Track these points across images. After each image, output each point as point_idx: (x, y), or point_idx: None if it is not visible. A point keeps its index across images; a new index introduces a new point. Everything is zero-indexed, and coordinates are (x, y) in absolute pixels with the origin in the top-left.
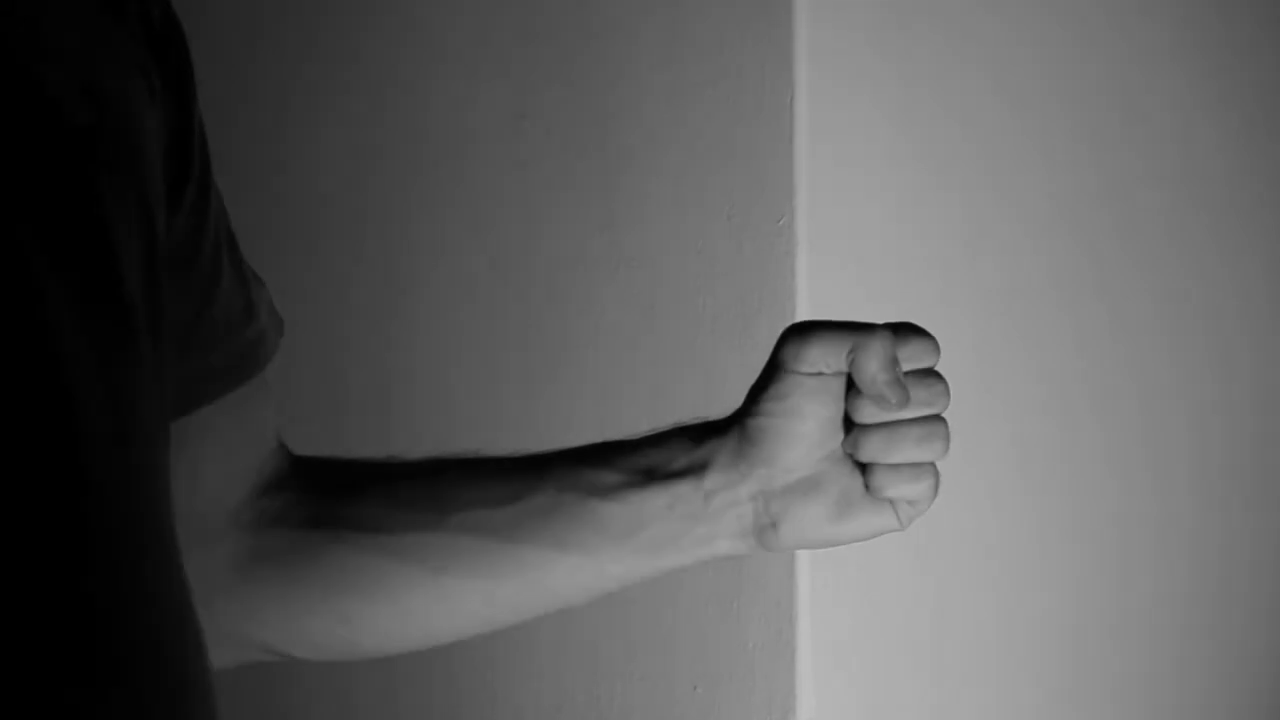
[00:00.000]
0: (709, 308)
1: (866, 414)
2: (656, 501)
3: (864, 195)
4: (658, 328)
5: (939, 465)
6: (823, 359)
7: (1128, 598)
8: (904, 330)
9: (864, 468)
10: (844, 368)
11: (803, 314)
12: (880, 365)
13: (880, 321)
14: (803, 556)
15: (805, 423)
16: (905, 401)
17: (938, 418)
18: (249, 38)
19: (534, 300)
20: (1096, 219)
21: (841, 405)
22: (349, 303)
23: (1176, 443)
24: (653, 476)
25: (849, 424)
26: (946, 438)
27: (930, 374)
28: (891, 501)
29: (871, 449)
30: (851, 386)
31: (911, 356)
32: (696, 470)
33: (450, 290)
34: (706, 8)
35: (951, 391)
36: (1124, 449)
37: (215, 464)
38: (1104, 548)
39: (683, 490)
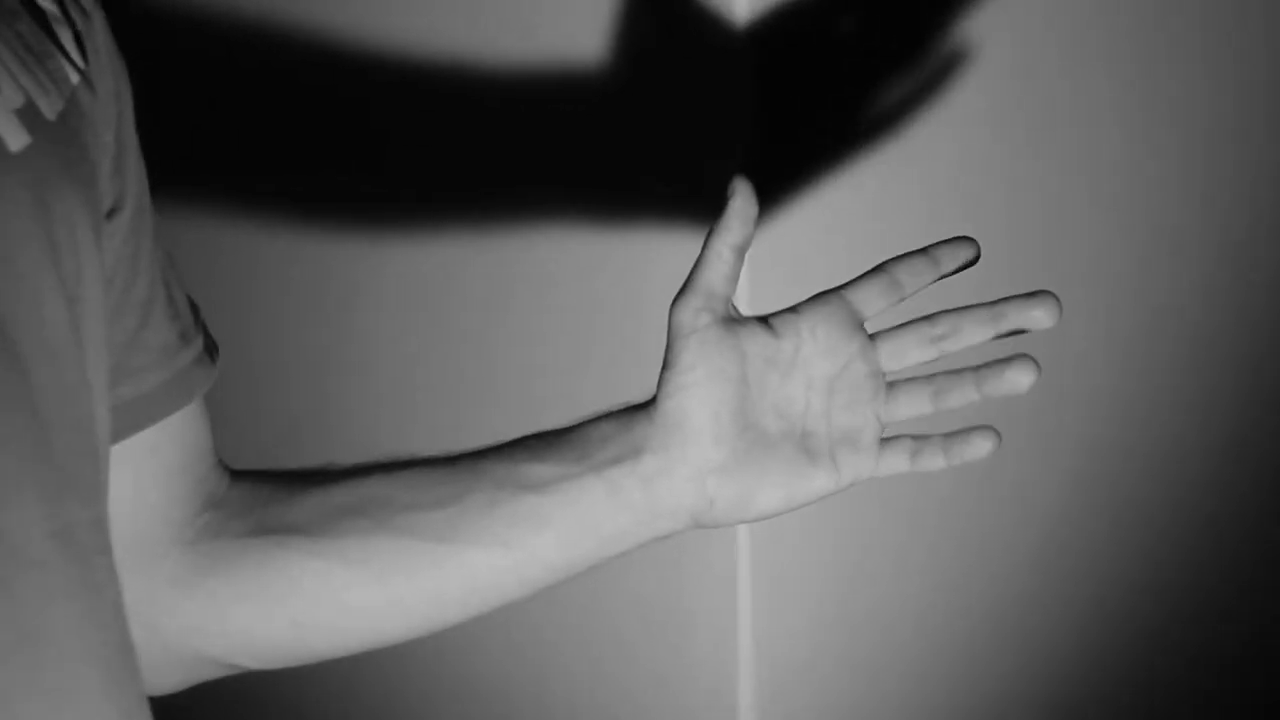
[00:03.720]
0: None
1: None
2: (594, 491)
3: (806, 223)
4: (596, 335)
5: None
6: (699, 299)
7: (1084, 592)
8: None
9: (800, 431)
10: (721, 302)
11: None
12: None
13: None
14: (744, 570)
15: (716, 385)
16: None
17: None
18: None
19: (467, 319)
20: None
21: (749, 363)
22: (291, 306)
23: (1119, 435)
24: (590, 466)
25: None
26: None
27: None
28: (832, 458)
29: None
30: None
31: (913, 274)
32: (631, 456)
33: (396, 298)
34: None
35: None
36: (1068, 446)
37: (155, 486)
38: (1055, 544)
39: (619, 477)
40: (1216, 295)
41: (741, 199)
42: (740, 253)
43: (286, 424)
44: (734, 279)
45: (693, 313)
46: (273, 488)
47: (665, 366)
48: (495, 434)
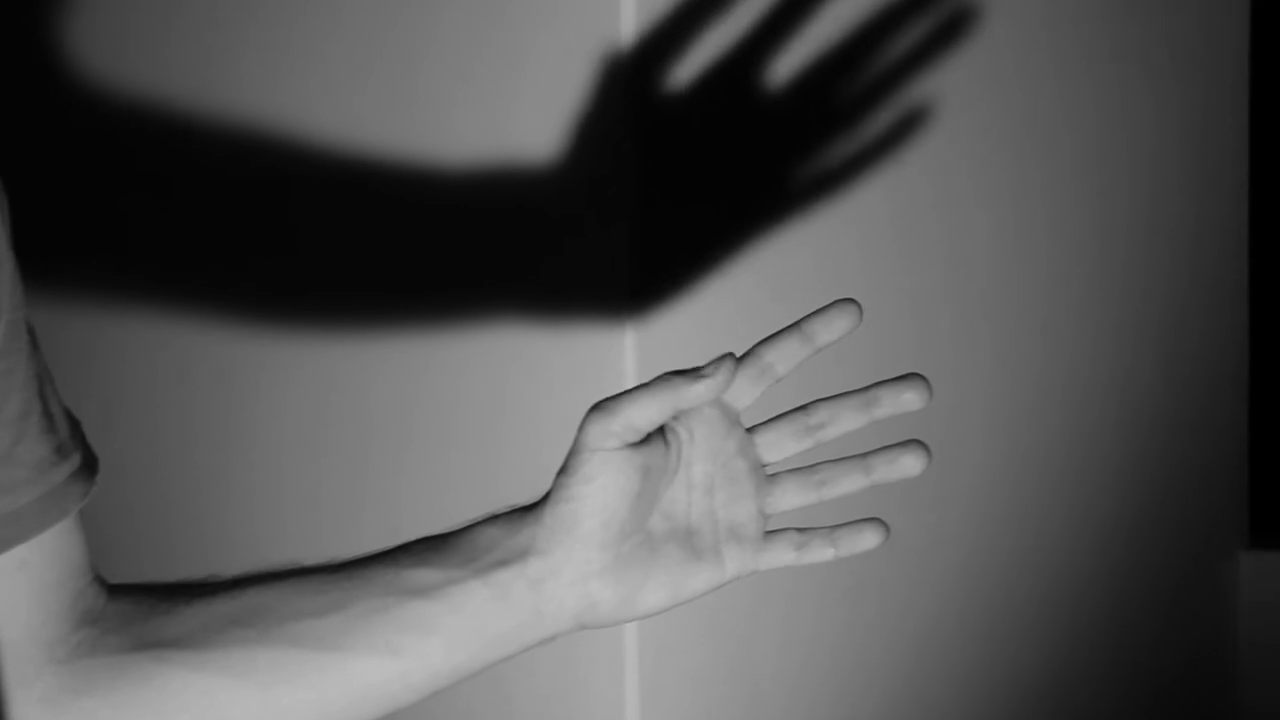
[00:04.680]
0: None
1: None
2: (480, 595)
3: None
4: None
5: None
6: (618, 427)
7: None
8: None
9: (685, 531)
10: (638, 435)
11: None
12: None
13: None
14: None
15: (611, 497)
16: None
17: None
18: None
19: (357, 423)
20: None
21: (647, 478)
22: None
23: (1000, 517)
24: (475, 570)
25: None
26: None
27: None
28: (717, 553)
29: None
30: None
31: (783, 355)
32: (518, 559)
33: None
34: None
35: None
36: (949, 532)
37: (27, 602)
38: (968, 555)
39: (505, 581)
40: (1099, 385)
41: (718, 375)
42: (679, 414)
43: (169, 535)
44: (658, 424)
45: (604, 435)
46: (153, 601)
47: (563, 472)
48: (389, 539)
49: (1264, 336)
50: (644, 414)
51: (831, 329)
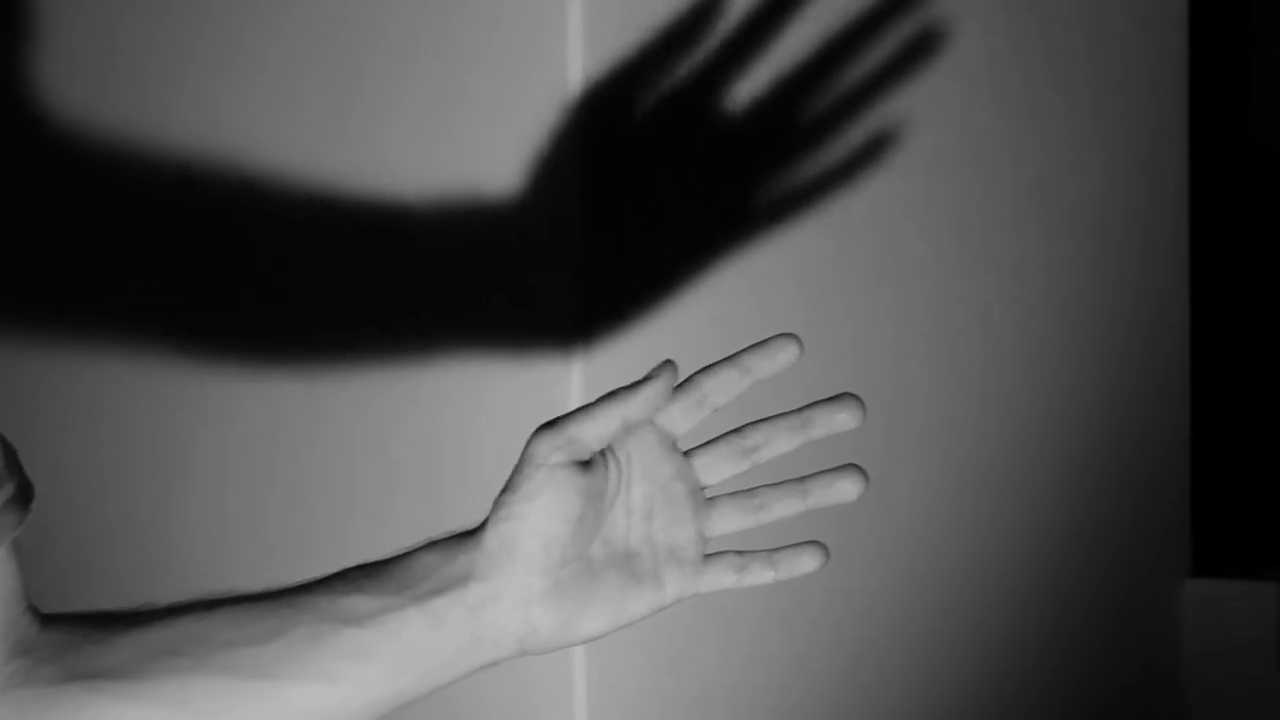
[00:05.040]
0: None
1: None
2: (418, 623)
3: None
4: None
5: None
6: (563, 442)
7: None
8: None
9: (625, 551)
10: (585, 452)
11: None
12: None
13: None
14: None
15: (552, 520)
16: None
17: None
18: None
19: (302, 453)
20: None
21: (588, 503)
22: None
23: (938, 545)
24: (412, 598)
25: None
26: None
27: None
28: (657, 577)
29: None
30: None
31: (720, 386)
32: (457, 585)
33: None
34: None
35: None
36: (888, 557)
37: None
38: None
39: (444, 607)
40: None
41: (659, 384)
42: (627, 427)
43: (105, 565)
44: (606, 442)
45: (551, 449)
46: (87, 630)
47: (505, 490)
48: (333, 567)
49: (1205, 366)
50: (591, 429)
51: (770, 363)
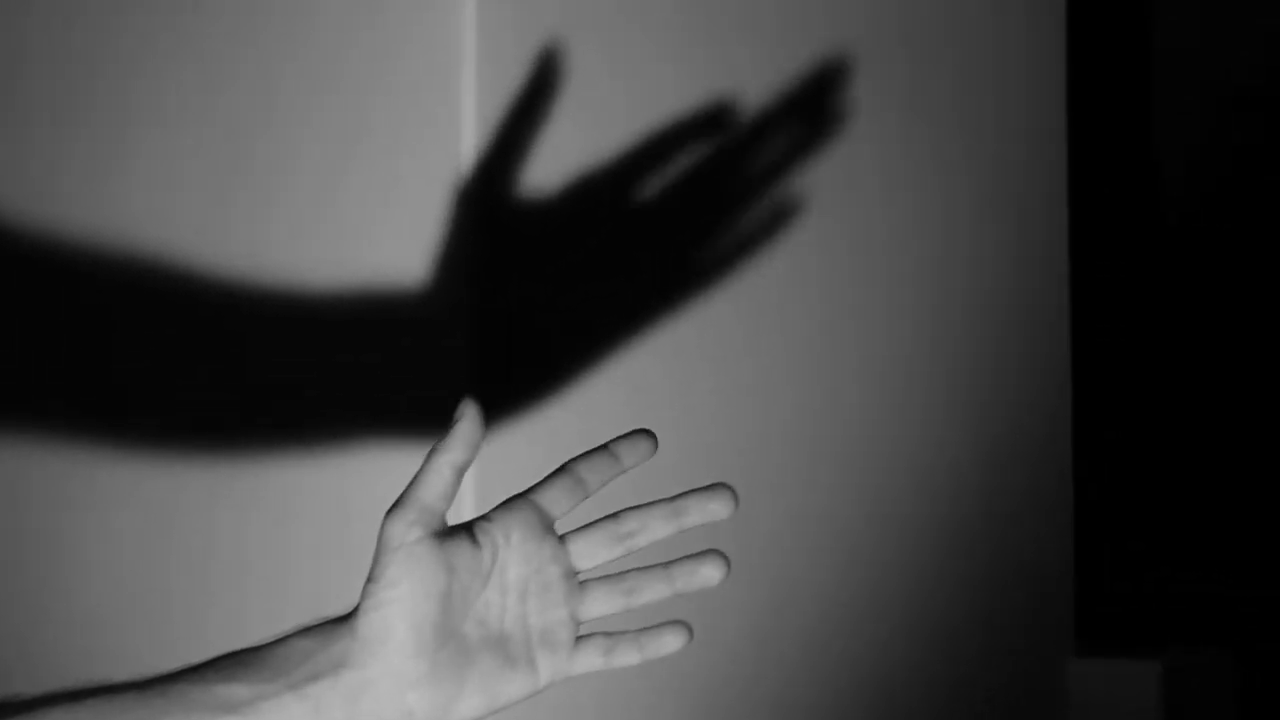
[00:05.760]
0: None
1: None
2: (295, 710)
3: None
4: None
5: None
6: (413, 514)
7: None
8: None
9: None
10: (435, 518)
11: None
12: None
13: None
14: None
15: (421, 601)
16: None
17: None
18: None
19: (176, 539)
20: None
21: (454, 576)
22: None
23: (794, 625)
24: (288, 684)
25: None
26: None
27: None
28: (530, 660)
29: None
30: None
31: (595, 471)
32: (331, 672)
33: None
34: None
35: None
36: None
37: None
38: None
39: (319, 694)
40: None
41: (468, 421)
42: (460, 472)
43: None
44: (450, 496)
45: (405, 526)
46: None
47: (370, 579)
48: (207, 654)
49: (1089, 450)
50: (431, 490)
51: (634, 452)
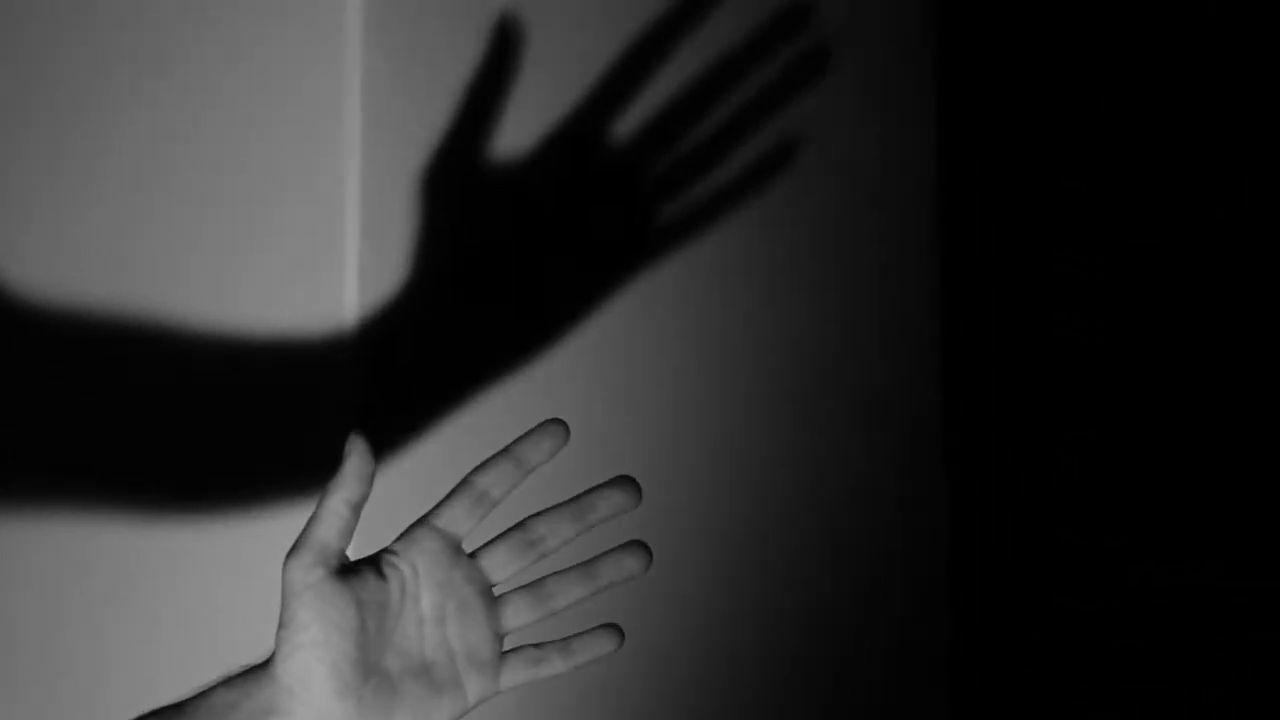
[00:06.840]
0: None
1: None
2: None
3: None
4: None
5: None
6: (312, 555)
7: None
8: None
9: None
10: (334, 555)
11: None
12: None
13: None
14: None
15: (334, 640)
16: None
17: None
18: None
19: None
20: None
21: (365, 612)
22: None
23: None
24: None
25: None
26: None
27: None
28: (457, 683)
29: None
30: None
31: (497, 480)
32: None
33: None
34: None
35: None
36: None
37: None
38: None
39: None
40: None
41: (358, 456)
42: (356, 509)
43: None
44: (348, 534)
45: (305, 569)
46: None
47: (281, 626)
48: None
49: (963, 543)
50: (327, 529)
51: (539, 450)
